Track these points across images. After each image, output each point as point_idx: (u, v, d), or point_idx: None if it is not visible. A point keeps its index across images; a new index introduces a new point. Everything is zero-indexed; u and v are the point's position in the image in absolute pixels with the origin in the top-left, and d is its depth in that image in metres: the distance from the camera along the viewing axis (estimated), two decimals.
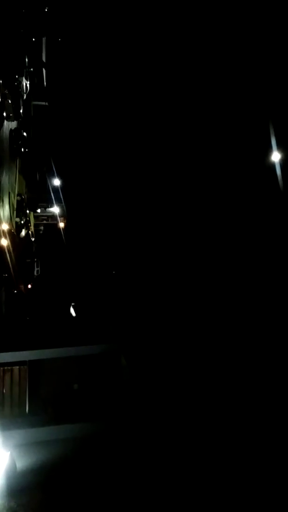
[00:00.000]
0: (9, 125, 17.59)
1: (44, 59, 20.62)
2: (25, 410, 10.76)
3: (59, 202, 21.98)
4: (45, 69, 20.85)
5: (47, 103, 20.51)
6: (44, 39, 20.71)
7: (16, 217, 17.53)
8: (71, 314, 16.36)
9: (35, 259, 19.48)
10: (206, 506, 7.31)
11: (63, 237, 19.93)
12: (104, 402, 10.97)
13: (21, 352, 10.75)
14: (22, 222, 18.16)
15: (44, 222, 21.77)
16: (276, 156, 14.18)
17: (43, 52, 20.87)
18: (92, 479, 8.40)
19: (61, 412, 10.68)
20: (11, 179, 16.63)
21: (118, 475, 8.44)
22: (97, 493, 8.00)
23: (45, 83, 20.62)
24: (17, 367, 10.75)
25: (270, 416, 9.29)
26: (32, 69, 19.33)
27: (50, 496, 8.02)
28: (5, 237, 15.44)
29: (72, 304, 16.76)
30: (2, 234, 15.35)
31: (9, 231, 15.84)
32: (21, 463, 8.88)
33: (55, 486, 8.27)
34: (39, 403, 10.89)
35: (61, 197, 20.75)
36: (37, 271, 19.48)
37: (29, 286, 16.62)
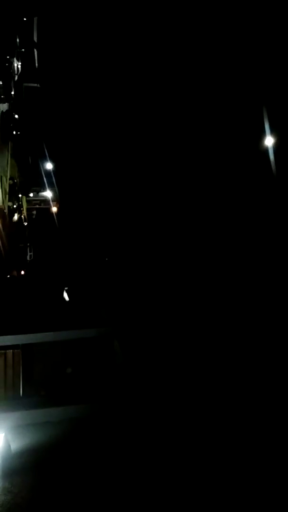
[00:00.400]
0: (0, 107, 17.32)
1: (35, 39, 20.24)
2: (19, 393, 10.84)
3: (51, 186, 21.82)
4: (36, 49, 20.49)
5: (38, 85, 20.21)
6: (35, 19, 20.31)
7: (9, 201, 17.40)
8: (64, 298, 16.38)
9: (28, 244, 19.42)
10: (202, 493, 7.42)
11: (56, 222, 19.86)
12: (97, 385, 11.07)
13: (14, 336, 10.78)
14: (15, 206, 18.04)
15: (37, 206, 21.64)
16: (269, 141, 14.14)
17: (34, 32, 20.48)
18: (86, 459, 8.52)
19: (55, 395, 10.76)
20: (2, 163, 16.48)
21: (112, 455, 8.56)
22: (91, 472, 8.12)
23: (36, 64, 20.28)
24: (11, 350, 10.79)
25: (269, 410, 9.38)
26: (23, 49, 18.98)
27: (45, 476, 8.13)
28: None
29: (66, 288, 16.77)
30: None
31: (2, 215, 15.76)
32: (16, 445, 8.97)
33: (50, 467, 8.38)
34: (33, 386, 10.97)
35: (54, 181, 20.61)
36: (30, 255, 19.44)
37: (22, 272, 16.59)
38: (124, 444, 8.87)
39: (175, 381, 10.44)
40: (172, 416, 9.53)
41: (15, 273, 16.23)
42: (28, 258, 19.19)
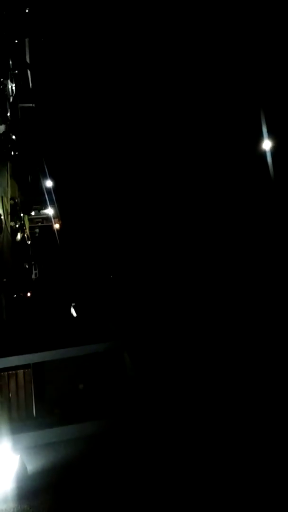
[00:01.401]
0: None
1: (28, 60, 20.50)
2: (32, 413, 10.78)
3: (53, 203, 21.94)
4: (30, 70, 20.74)
5: (34, 105, 20.42)
6: (27, 40, 20.58)
7: (11, 221, 17.48)
8: (72, 315, 16.36)
9: (33, 262, 19.47)
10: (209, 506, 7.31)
11: (58, 239, 19.92)
12: (110, 399, 10.99)
13: (24, 356, 10.75)
14: (17, 226, 18.13)
15: (39, 224, 21.74)
16: (267, 145, 14.20)
17: (26, 53, 20.74)
18: (103, 478, 8.41)
19: (68, 413, 10.70)
20: (3, 184, 16.57)
21: (126, 474, 8.45)
22: (106, 492, 8.01)
23: (30, 85, 20.52)
24: (22, 370, 10.76)
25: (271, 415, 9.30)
26: (16, 71, 19.23)
27: (62, 497, 8.04)
28: (1, 242, 15.45)
29: (73, 304, 16.77)
30: None
31: (5, 236, 15.83)
32: (31, 466, 8.89)
33: (67, 487, 8.28)
34: (46, 405, 10.91)
35: (54, 199, 20.74)
36: (36, 273, 19.49)
37: (28, 293, 16.63)
38: (140, 461, 8.76)
39: (187, 391, 10.35)
40: (186, 430, 9.42)
41: (21, 293, 16.27)
42: (33, 276, 19.22)
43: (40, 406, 10.82)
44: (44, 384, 10.99)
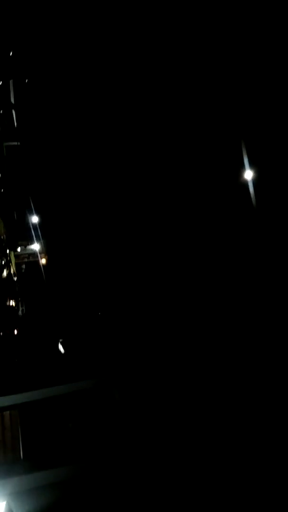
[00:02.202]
0: None
1: (12, 100, 21.01)
2: (20, 456, 10.47)
3: (39, 239, 22.02)
4: (14, 110, 21.22)
5: (18, 143, 20.78)
6: (11, 82, 21.15)
7: None
8: (59, 351, 16.15)
9: (19, 299, 19.34)
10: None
11: (44, 274, 19.89)
12: (100, 438, 10.75)
13: (10, 396, 10.54)
14: (3, 262, 18.11)
15: (26, 260, 21.73)
16: (248, 175, 14.53)
17: (11, 94, 21.28)
18: None
19: (57, 454, 10.41)
20: None
21: None
22: None
23: (15, 124, 20.94)
24: (8, 412, 10.52)
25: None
26: (1, 111, 19.70)
27: None
28: None
29: (60, 340, 16.58)
30: None
31: None
32: None
33: None
34: (34, 446, 10.62)
35: (40, 234, 20.83)
36: (22, 310, 19.31)
37: (15, 330, 16.45)
38: (134, 503, 8.53)
39: (179, 426, 10.19)
40: (178, 467, 9.24)
41: (7, 331, 16.08)
42: (20, 313, 19.05)
43: (27, 448, 10.52)
44: (32, 424, 10.73)
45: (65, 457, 10.25)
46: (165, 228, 15.40)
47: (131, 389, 11.26)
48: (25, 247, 21.42)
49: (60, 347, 16.22)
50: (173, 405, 10.76)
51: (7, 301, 17.54)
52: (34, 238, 21.80)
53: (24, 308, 19.29)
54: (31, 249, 21.71)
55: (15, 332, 16.52)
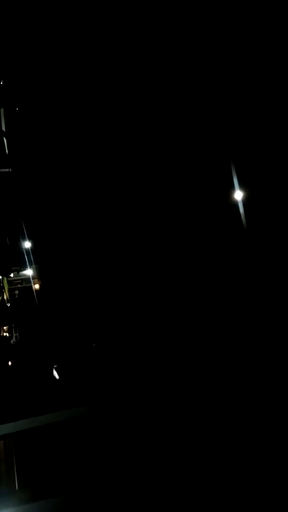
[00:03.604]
0: None
1: (3, 128, 21.30)
2: (15, 486, 10.27)
3: (32, 264, 21.98)
4: (5, 137, 21.49)
5: (10, 170, 20.97)
6: (1, 110, 21.48)
7: None
8: (54, 377, 16.00)
9: (13, 325, 19.21)
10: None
11: (37, 300, 19.81)
12: (97, 463, 10.59)
13: (4, 425, 10.40)
14: None
15: (19, 285, 21.64)
16: (238, 195, 14.76)
17: (2, 122, 21.59)
18: None
19: (54, 483, 10.22)
20: None
21: None
22: None
23: (6, 151, 21.18)
24: (2, 441, 10.36)
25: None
26: None
27: None
28: None
29: (55, 366, 16.44)
30: None
31: None
32: None
33: None
34: (29, 476, 10.43)
35: (33, 259, 20.82)
36: (16, 336, 19.16)
37: (8, 358, 16.31)
38: None
39: (177, 449, 10.09)
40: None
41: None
42: (14, 339, 18.90)
43: (23, 478, 10.33)
44: (27, 454, 10.55)
45: (61, 486, 10.07)
46: (155, 259, 15.51)
47: (126, 415, 11.16)
48: (18, 272, 21.38)
49: (55, 373, 16.07)
50: (168, 427, 10.67)
51: (0, 329, 17.44)
52: (27, 263, 21.78)
53: (17, 334, 19.15)
54: (24, 275, 21.66)
55: (8, 360, 16.38)
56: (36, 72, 19.16)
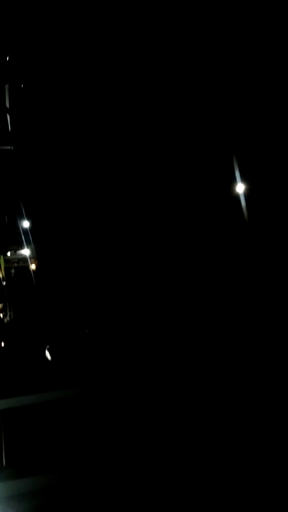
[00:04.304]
0: None
1: (7, 105, 21.03)
2: (2, 463, 10.36)
3: (29, 244, 21.92)
4: (9, 114, 21.24)
5: (12, 147, 20.78)
6: (6, 86, 21.19)
7: None
8: (46, 358, 16.05)
9: (7, 304, 19.23)
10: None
11: (34, 280, 19.80)
12: (85, 443, 10.67)
13: None
14: None
15: (15, 265, 21.61)
16: (240, 188, 14.66)
17: (6, 98, 21.30)
18: None
19: (41, 461, 10.31)
20: None
21: None
22: None
23: (9, 128, 20.94)
24: None
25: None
26: None
27: None
28: None
29: (47, 347, 16.49)
30: None
31: None
32: None
33: None
34: (17, 453, 10.51)
35: (31, 239, 20.75)
36: (10, 315, 19.19)
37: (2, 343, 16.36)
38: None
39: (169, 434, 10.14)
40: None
41: None
42: (8, 318, 18.93)
43: (10, 455, 10.41)
44: (15, 431, 10.62)
45: (48, 463, 10.15)
46: (154, 248, 15.44)
47: (116, 399, 11.20)
48: (15, 251, 21.31)
49: (48, 354, 16.12)
50: (161, 417, 10.72)
51: None
52: (25, 243, 21.71)
53: (12, 313, 19.17)
54: (22, 254, 21.60)
55: (1, 341, 16.43)
56: (43, 49, 18.88)
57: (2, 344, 16.13)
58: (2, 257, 19.76)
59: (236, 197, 14.42)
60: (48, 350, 16.20)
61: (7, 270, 20.44)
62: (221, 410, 10.33)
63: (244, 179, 14.41)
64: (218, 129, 14.70)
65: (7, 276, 20.23)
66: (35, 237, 20.85)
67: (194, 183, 15.23)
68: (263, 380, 10.55)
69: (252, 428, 9.04)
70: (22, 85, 21.27)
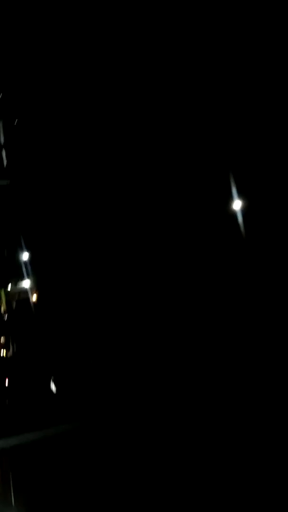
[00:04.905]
0: None
1: (1, 141, 21.38)
2: (11, 503, 10.19)
3: (30, 275, 21.94)
4: (3, 150, 21.58)
5: (8, 182, 21.03)
6: (0, 123, 21.59)
7: None
8: (51, 390, 15.93)
9: (10, 337, 19.14)
10: None
11: (36, 311, 19.76)
12: (94, 480, 10.48)
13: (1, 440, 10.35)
14: None
15: (16, 297, 21.58)
16: (237, 205, 14.82)
17: (0, 134, 21.68)
18: None
19: (50, 500, 10.12)
20: None
21: None
22: None
23: (4, 164, 21.25)
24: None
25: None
26: None
27: None
28: None
29: (52, 378, 16.37)
30: None
31: None
32: None
33: None
34: (26, 492, 10.34)
35: (30, 270, 20.80)
36: (13, 348, 19.07)
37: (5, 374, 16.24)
38: None
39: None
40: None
41: None
42: (11, 352, 18.81)
43: (18, 495, 10.25)
44: (23, 468, 10.49)
45: (59, 503, 9.96)
46: (153, 272, 15.51)
47: (122, 431, 11.09)
48: (16, 284, 21.33)
49: (52, 385, 15.99)
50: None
51: None
52: (26, 275, 21.74)
53: (15, 346, 19.07)
54: (23, 286, 21.61)
55: (6, 377, 16.30)
56: (34, 84, 19.28)
57: (6, 381, 16.00)
58: (3, 291, 19.79)
59: (233, 214, 14.57)
60: (53, 381, 16.08)
61: (8, 303, 20.43)
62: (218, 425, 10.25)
63: (240, 196, 14.57)
64: (216, 145, 14.90)
65: (8, 310, 20.21)
66: (34, 269, 20.92)
67: (192, 199, 15.38)
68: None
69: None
70: (16, 120, 21.69)
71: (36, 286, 20.95)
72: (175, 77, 15.51)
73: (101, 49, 16.60)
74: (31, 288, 21.38)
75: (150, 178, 16.23)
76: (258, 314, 13.59)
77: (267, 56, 14.27)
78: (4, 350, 18.22)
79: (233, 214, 14.77)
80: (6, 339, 18.70)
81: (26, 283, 21.89)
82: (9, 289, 20.66)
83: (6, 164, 20.92)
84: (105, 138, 17.25)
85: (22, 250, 21.51)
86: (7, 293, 20.45)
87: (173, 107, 15.65)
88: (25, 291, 21.27)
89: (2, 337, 18.79)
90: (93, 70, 17.00)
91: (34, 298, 21.14)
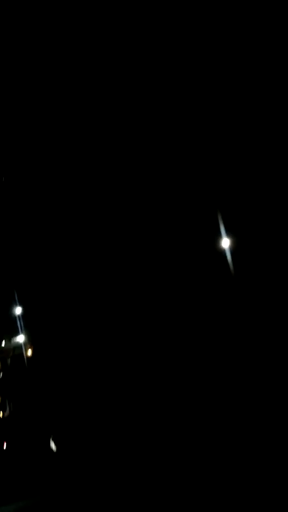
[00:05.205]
0: None
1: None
2: None
3: (24, 330, 21.57)
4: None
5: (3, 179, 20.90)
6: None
7: None
8: (52, 449, 15.34)
9: (6, 396, 18.56)
10: None
11: (31, 366, 19.29)
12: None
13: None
14: None
15: (11, 354, 21.09)
16: (225, 243, 14.89)
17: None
18: None
19: None
20: None
21: None
22: None
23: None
24: None
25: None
26: None
27: None
28: None
29: (52, 436, 15.81)
30: None
31: None
32: None
33: None
34: None
35: (24, 325, 20.49)
36: (9, 408, 18.45)
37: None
38: None
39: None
40: None
41: None
42: (6, 412, 18.18)
43: None
44: None
45: None
46: (146, 315, 15.37)
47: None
48: (10, 340, 20.93)
49: (52, 444, 15.39)
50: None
51: None
52: (19, 330, 21.38)
53: (11, 406, 18.46)
54: (17, 342, 21.19)
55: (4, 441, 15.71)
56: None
57: (4, 445, 15.38)
58: None
59: (222, 251, 14.64)
60: (53, 440, 15.51)
61: (2, 360, 19.95)
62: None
63: (229, 234, 14.67)
64: (203, 181, 15.06)
65: (3, 367, 19.70)
66: (28, 324, 20.61)
67: (179, 235, 15.40)
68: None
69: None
70: (3, 179, 21.99)
71: (31, 341, 20.57)
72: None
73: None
74: (25, 343, 20.97)
75: (136, 215, 16.24)
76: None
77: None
78: (1, 412, 17.63)
79: (222, 252, 14.84)
80: (2, 399, 18.12)
81: (20, 338, 21.49)
82: (3, 345, 20.24)
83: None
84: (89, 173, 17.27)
85: (15, 306, 21.26)
86: (1, 349, 20.03)
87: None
88: (19, 347, 20.84)
89: None
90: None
91: (29, 353, 20.69)
